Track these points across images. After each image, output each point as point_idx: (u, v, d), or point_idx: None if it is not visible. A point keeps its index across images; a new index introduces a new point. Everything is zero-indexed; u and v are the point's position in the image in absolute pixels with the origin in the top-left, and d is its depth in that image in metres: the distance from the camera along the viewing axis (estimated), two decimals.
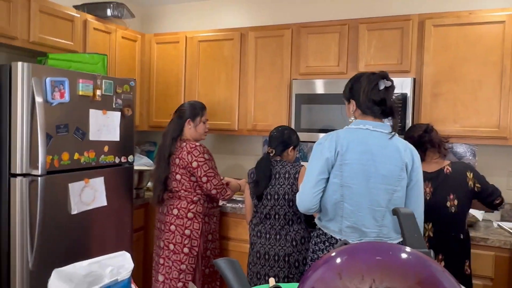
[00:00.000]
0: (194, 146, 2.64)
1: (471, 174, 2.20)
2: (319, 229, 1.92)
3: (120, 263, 0.84)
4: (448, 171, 2.21)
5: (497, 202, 2.23)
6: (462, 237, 2.19)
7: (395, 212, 0.82)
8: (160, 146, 2.75)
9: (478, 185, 2.19)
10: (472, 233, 2.41)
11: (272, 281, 1.00)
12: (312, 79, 3.03)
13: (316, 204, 1.83)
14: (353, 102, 1.88)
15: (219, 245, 2.90)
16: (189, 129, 2.73)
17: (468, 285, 2.18)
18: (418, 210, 1.84)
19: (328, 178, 1.81)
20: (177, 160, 2.64)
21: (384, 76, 1.84)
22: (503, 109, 2.59)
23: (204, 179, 2.63)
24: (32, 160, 2.25)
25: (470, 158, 2.96)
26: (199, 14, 3.78)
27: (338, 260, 0.64)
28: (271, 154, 2.45)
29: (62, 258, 2.41)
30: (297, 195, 1.91)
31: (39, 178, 2.24)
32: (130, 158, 2.90)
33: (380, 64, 2.83)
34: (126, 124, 2.83)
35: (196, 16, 3.79)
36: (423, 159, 2.20)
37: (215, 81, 3.38)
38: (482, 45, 2.63)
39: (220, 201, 2.89)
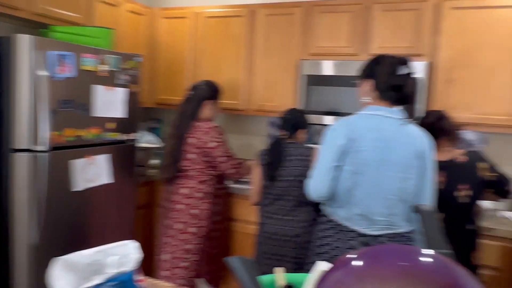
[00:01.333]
0: (211, 126, 2.60)
1: (484, 164, 2.15)
2: (325, 215, 1.88)
3: (127, 252, 0.81)
4: (460, 160, 2.16)
5: (509, 189, 2.19)
6: (471, 227, 2.16)
7: (417, 209, 0.77)
8: (176, 124, 2.67)
9: (491, 174, 2.14)
10: (478, 223, 2.38)
11: (279, 271, 0.96)
12: (322, 59, 2.95)
13: (328, 191, 1.79)
14: (370, 82, 1.81)
15: (225, 226, 2.89)
16: (208, 110, 2.68)
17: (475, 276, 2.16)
18: (430, 199, 1.80)
19: (340, 165, 1.76)
20: (192, 140, 2.60)
21: (405, 61, 1.78)
22: None
23: (223, 159, 2.60)
24: (35, 136, 2.21)
25: (482, 146, 2.90)
26: None
27: (359, 263, 0.60)
28: (284, 136, 2.43)
29: (66, 233, 2.41)
30: (308, 181, 1.87)
31: (42, 154, 2.21)
32: (135, 135, 2.86)
33: (394, 46, 2.75)
34: (132, 101, 2.78)
35: None
36: (435, 147, 2.15)
37: (222, 59, 3.30)
38: (499, 30, 2.54)
39: (226, 182, 2.86)
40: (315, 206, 2.38)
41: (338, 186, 1.78)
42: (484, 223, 2.41)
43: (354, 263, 0.60)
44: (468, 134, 2.79)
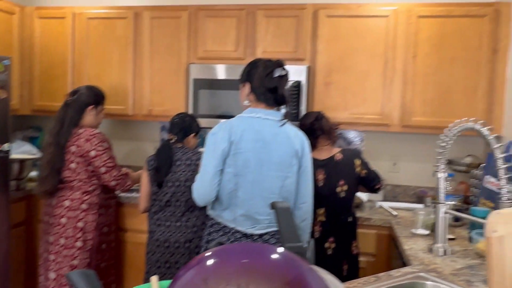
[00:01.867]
0: (93, 133, 2.44)
1: (359, 161, 2.34)
2: (212, 218, 1.89)
3: None
4: (338, 158, 2.32)
5: (378, 187, 2.41)
6: (350, 219, 2.33)
7: (272, 206, 0.81)
8: (53, 132, 2.47)
9: (364, 171, 2.34)
10: (357, 214, 2.59)
11: (154, 279, 0.94)
12: (210, 63, 2.97)
13: (214, 196, 1.81)
14: (248, 85, 1.88)
15: (115, 238, 2.75)
16: (91, 116, 2.52)
17: (355, 263, 2.34)
18: (308, 195, 1.91)
19: (223, 169, 1.79)
20: (73, 148, 2.42)
21: (280, 64, 1.86)
22: (386, 98, 2.79)
23: (103, 169, 2.46)
24: None
25: (358, 143, 3.16)
26: None
27: (206, 264, 0.60)
28: (172, 141, 2.38)
29: None
30: (194, 187, 1.86)
31: None
32: (6, 146, 2.59)
33: (277, 51, 2.87)
34: (0, 108, 2.51)
35: None
36: (314, 146, 2.28)
37: (107, 62, 3.15)
38: (370, 37, 2.80)
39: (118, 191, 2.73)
40: (205, 210, 2.39)
41: (221, 189, 1.80)
42: (363, 214, 2.62)
43: (201, 263, 0.60)
44: (347, 133, 3.01)
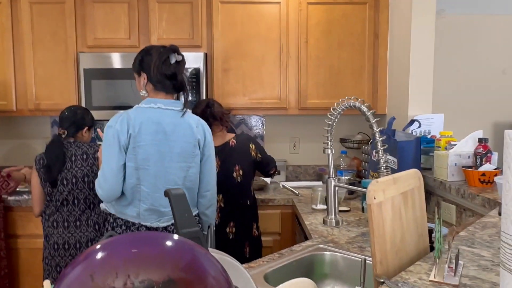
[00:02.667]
0: None
1: (253, 145, 2.39)
2: (111, 215, 1.81)
3: None
4: (233, 143, 2.35)
5: (272, 172, 2.49)
6: (249, 203, 2.38)
7: (166, 193, 0.80)
8: None
9: (260, 155, 2.40)
10: (262, 196, 2.67)
11: (46, 284, 0.87)
12: (102, 52, 2.81)
13: (120, 191, 1.74)
14: (144, 75, 1.81)
15: (4, 245, 2.51)
16: None
17: (258, 245, 2.41)
18: (211, 183, 1.92)
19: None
20: None
21: (175, 50, 1.81)
22: (282, 83, 2.90)
23: None
24: None
25: (260, 127, 3.24)
26: None
27: (95, 258, 0.57)
28: (63, 136, 2.22)
29: None
30: (98, 184, 1.75)
31: None
32: None
33: (173, 38, 2.80)
34: None
35: None
36: None
37: None
38: (264, 23, 2.86)
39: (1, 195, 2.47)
40: None
41: (124, 184, 1.73)
42: (267, 195, 2.71)
43: (88, 259, 0.58)
44: (248, 118, 3.07)
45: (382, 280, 0.88)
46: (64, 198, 2.19)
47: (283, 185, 2.88)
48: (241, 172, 2.32)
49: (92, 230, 2.21)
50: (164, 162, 1.74)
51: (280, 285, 0.87)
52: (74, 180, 2.18)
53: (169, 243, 0.61)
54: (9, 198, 2.62)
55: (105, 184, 1.73)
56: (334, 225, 1.96)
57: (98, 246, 0.61)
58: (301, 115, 3.08)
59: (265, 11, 2.86)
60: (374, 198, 0.91)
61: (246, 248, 2.34)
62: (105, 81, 2.79)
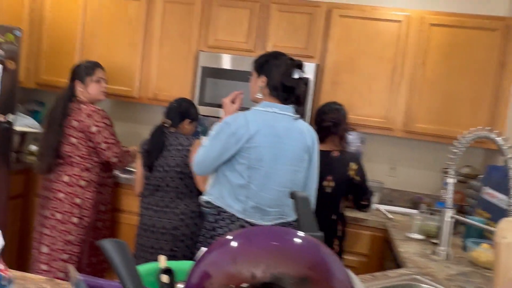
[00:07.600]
0: (94, 109, 2.45)
1: (356, 165, 2.31)
2: (214, 207, 1.90)
3: None
4: (335, 154, 2.32)
5: (365, 203, 2.37)
6: (333, 217, 2.30)
7: (292, 195, 0.82)
8: (51, 108, 2.49)
9: (358, 178, 2.31)
10: (353, 214, 2.61)
11: (162, 259, 0.96)
12: (220, 53, 2.97)
13: (212, 171, 1.87)
14: (263, 78, 1.87)
15: (110, 217, 2.76)
16: (81, 91, 2.51)
17: None
18: (313, 189, 1.95)
19: (230, 156, 1.80)
20: (74, 123, 2.42)
21: (300, 66, 1.87)
22: (392, 102, 2.82)
23: (104, 145, 2.46)
24: None
25: (358, 145, 3.18)
26: None
27: (234, 244, 0.62)
28: (166, 125, 2.37)
29: None
30: (195, 161, 1.87)
31: None
32: (11, 117, 2.58)
33: (288, 46, 2.87)
34: (8, 79, 2.51)
35: None
36: (322, 142, 2.26)
37: (116, 42, 3.14)
38: (380, 41, 2.81)
39: (114, 170, 2.73)
40: (196, 199, 2.36)
41: (234, 181, 1.82)
42: (358, 214, 2.65)
43: (228, 244, 0.62)
44: (349, 134, 3.03)
45: None
46: (158, 183, 2.33)
47: (377, 207, 2.79)
48: (332, 183, 2.27)
49: (178, 219, 2.31)
50: (277, 164, 1.80)
51: None
52: (167, 168, 2.31)
53: (302, 241, 0.64)
54: (121, 175, 2.87)
55: (201, 163, 1.86)
56: (445, 258, 1.87)
57: (235, 235, 0.65)
58: (406, 138, 2.97)
59: (383, 28, 2.81)
60: (504, 238, 0.86)
61: None
62: (218, 80, 2.95)
